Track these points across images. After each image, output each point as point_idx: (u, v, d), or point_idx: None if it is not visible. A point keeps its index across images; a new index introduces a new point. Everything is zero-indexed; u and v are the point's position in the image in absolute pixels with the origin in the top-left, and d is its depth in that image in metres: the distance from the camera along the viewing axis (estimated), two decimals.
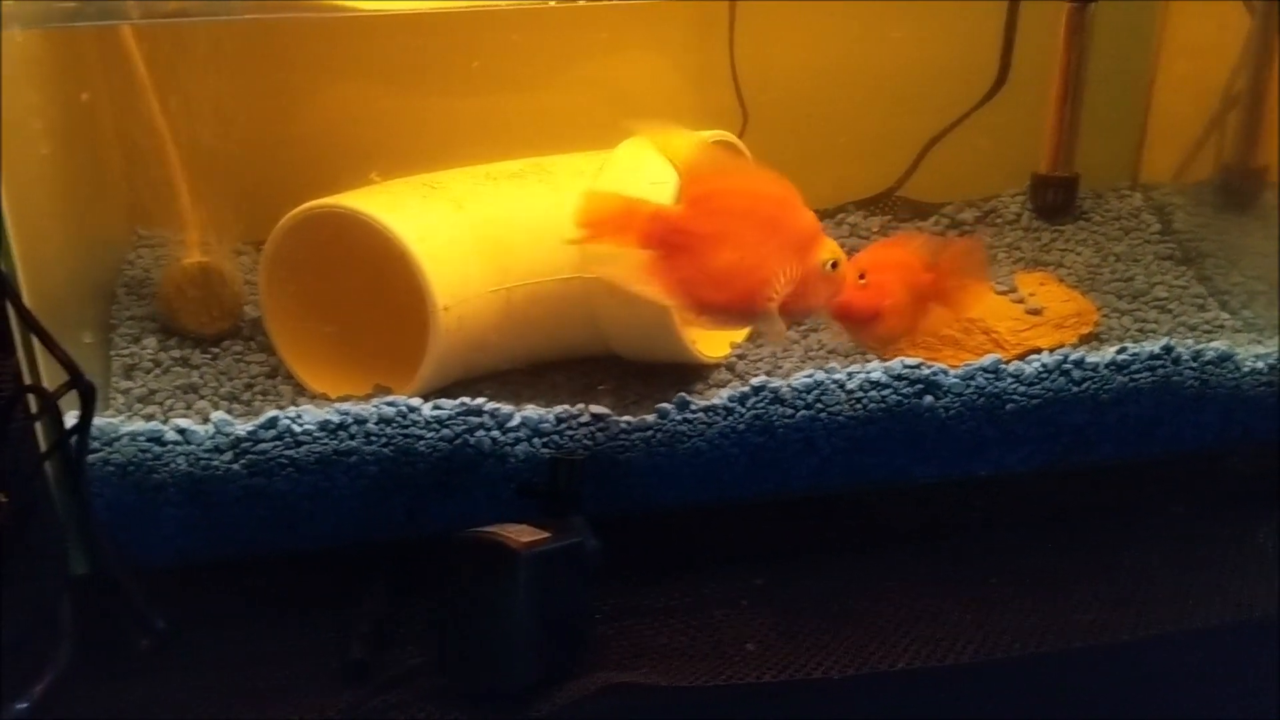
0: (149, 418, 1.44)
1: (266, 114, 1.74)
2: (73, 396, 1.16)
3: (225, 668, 1.24)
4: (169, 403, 1.49)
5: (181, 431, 1.26)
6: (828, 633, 1.28)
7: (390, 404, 1.29)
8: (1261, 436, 1.49)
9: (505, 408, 1.32)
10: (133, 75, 1.55)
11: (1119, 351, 1.42)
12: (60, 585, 1.23)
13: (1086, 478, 1.46)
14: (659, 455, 1.35)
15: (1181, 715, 1.33)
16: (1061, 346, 1.54)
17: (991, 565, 1.39)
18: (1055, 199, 1.93)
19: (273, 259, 1.54)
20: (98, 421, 1.23)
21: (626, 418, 1.35)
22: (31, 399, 1.15)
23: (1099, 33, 1.84)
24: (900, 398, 1.37)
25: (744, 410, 1.35)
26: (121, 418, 1.31)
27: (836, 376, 1.37)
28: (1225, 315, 1.71)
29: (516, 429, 1.32)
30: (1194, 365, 1.43)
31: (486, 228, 1.53)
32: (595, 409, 1.34)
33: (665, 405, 1.35)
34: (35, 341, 1.17)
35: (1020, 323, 1.59)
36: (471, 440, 1.30)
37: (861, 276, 1.41)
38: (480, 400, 1.32)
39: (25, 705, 1.15)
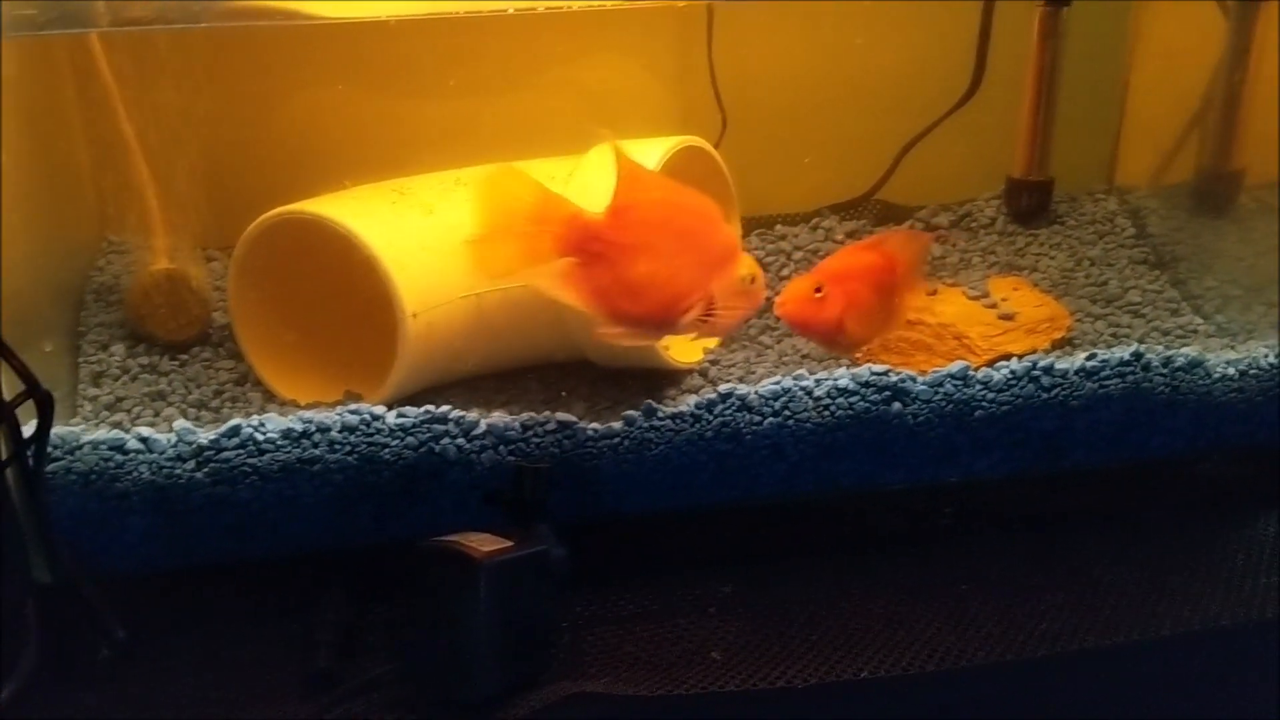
0: (116, 425, 1.44)
1: (236, 120, 1.73)
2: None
3: (189, 677, 1.24)
4: (137, 410, 1.49)
5: (144, 440, 1.25)
6: (794, 640, 1.28)
7: (354, 412, 1.29)
8: (1233, 442, 1.49)
9: (470, 415, 1.32)
10: (101, 82, 1.55)
11: (1089, 358, 1.42)
12: (23, 594, 1.22)
13: (1057, 484, 1.46)
14: (626, 462, 1.34)
15: None
16: (1034, 352, 1.55)
17: (961, 572, 1.39)
18: (1030, 203, 1.93)
19: (241, 265, 1.53)
20: (59, 430, 1.22)
21: (593, 425, 1.34)
22: None
23: (1072, 36, 1.84)
24: (868, 405, 1.37)
25: (711, 417, 1.35)
26: (84, 426, 1.30)
27: (804, 384, 1.36)
28: (1199, 320, 1.71)
29: (482, 436, 1.31)
30: (1164, 372, 1.43)
31: (457, 233, 1.52)
32: (562, 416, 1.34)
33: (632, 413, 1.34)
34: None
35: (992, 328, 1.59)
36: (436, 448, 1.30)
37: (818, 290, 1.42)
38: (445, 408, 1.31)
39: None
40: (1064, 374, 1.41)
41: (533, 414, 1.34)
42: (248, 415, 1.35)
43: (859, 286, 1.44)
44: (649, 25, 1.92)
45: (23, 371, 1.12)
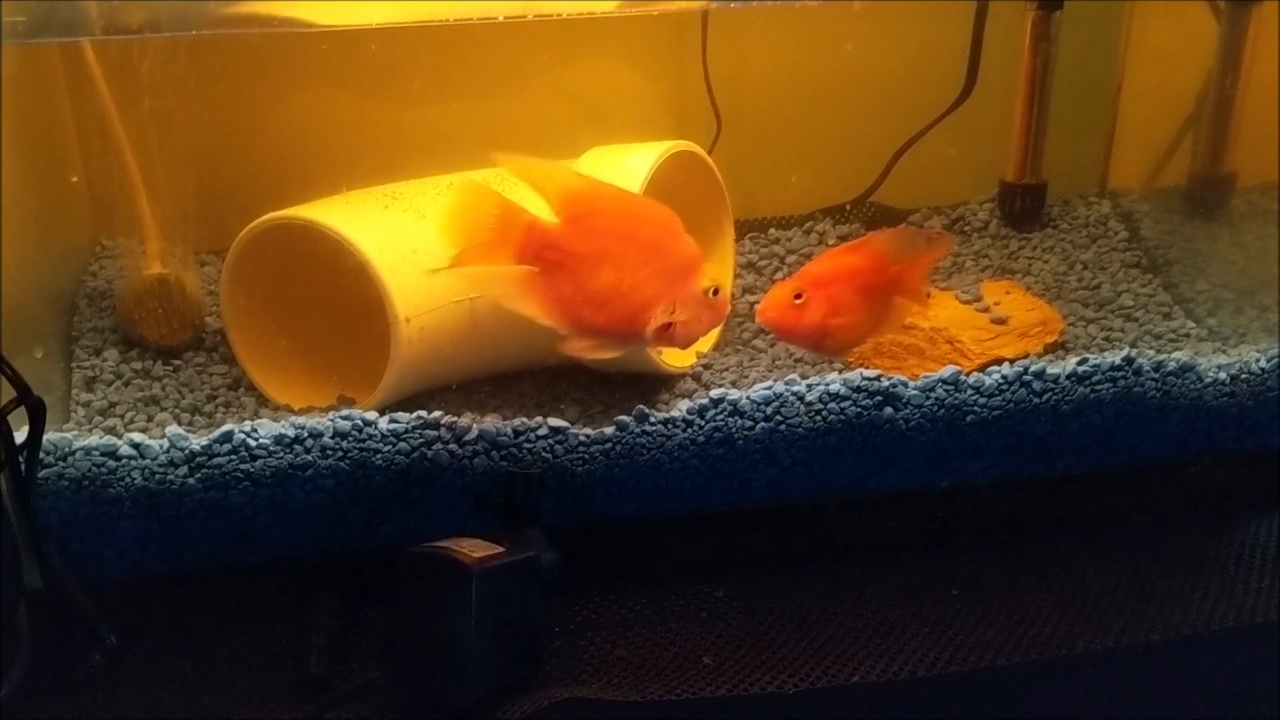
0: (109, 430, 1.44)
1: (228, 124, 1.73)
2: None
3: (181, 682, 1.24)
4: (130, 415, 1.49)
5: (136, 446, 1.26)
6: (786, 645, 1.28)
7: (346, 418, 1.29)
8: (1224, 447, 1.49)
9: (462, 421, 1.32)
10: (93, 87, 1.55)
11: (1080, 362, 1.42)
12: (16, 598, 1.22)
13: (1048, 488, 1.46)
14: (618, 467, 1.35)
15: None
16: (1026, 356, 1.55)
17: (952, 576, 1.39)
18: (1023, 206, 1.93)
19: (234, 270, 1.53)
20: (52, 436, 1.23)
21: (585, 430, 1.35)
22: None
23: (1065, 39, 1.84)
24: (860, 409, 1.37)
25: (703, 422, 1.35)
26: (77, 431, 1.30)
27: (796, 389, 1.37)
28: (1191, 324, 1.71)
29: (474, 442, 1.31)
30: (1155, 376, 1.43)
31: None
32: (554, 422, 1.34)
33: (624, 418, 1.35)
34: None
35: (985, 332, 1.59)
36: (429, 454, 1.30)
37: (798, 296, 1.41)
38: (437, 413, 1.31)
39: None
40: (1055, 378, 1.41)
41: (524, 419, 1.34)
42: (241, 420, 1.35)
43: (842, 289, 1.43)
44: (644, 29, 1.92)
45: (15, 378, 1.12)
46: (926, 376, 1.39)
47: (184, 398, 1.54)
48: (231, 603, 1.31)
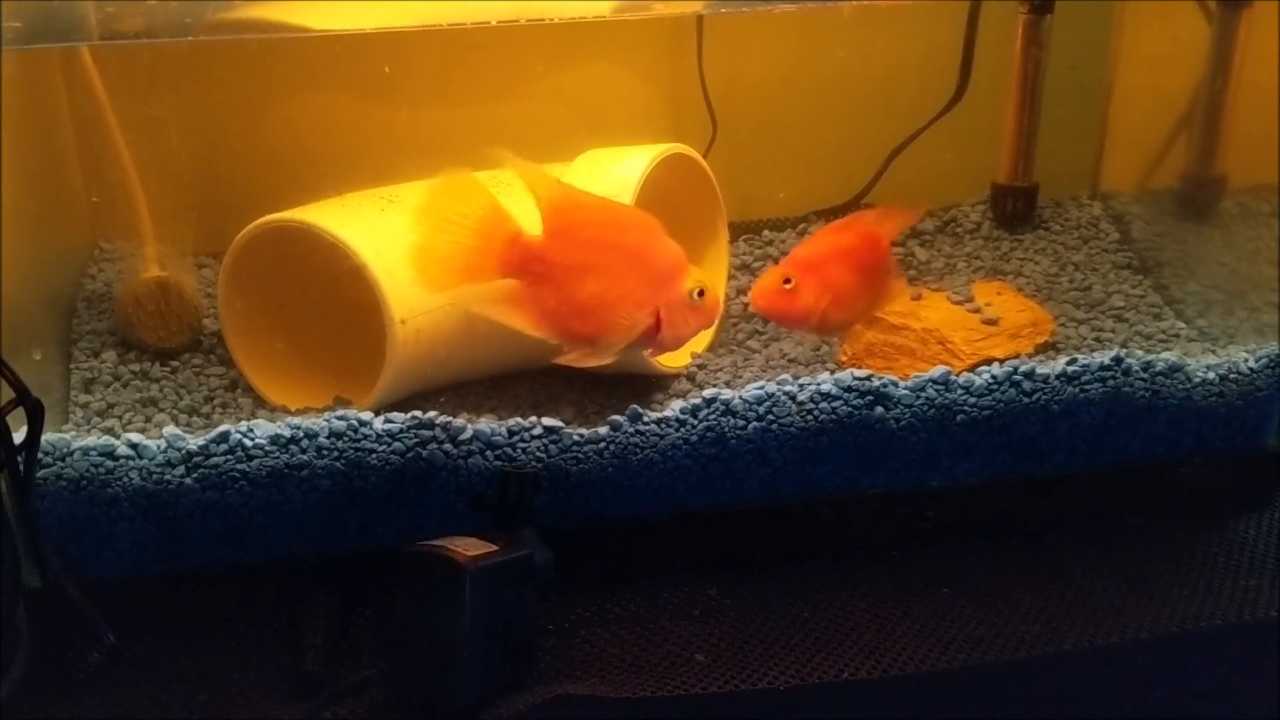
0: (108, 431, 1.45)
1: (226, 127, 1.74)
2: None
3: (178, 680, 1.25)
4: (128, 416, 1.50)
5: (134, 446, 1.27)
6: (778, 643, 1.29)
7: (341, 418, 1.30)
8: (1213, 446, 1.50)
9: (457, 421, 1.33)
10: (91, 90, 1.56)
11: (1069, 363, 1.43)
12: (15, 598, 1.23)
13: (1038, 487, 1.47)
14: (612, 467, 1.36)
15: None
16: (1017, 356, 1.56)
17: (942, 575, 1.40)
18: (1015, 208, 1.94)
19: (231, 272, 1.55)
20: (50, 437, 1.24)
21: (580, 430, 1.36)
22: None
23: (1056, 42, 1.85)
24: (851, 409, 1.38)
25: (696, 422, 1.36)
26: (75, 433, 1.31)
27: (788, 388, 1.38)
28: (1181, 324, 1.72)
29: (469, 442, 1.33)
30: (1144, 376, 1.44)
31: None
32: (548, 421, 1.35)
33: (618, 418, 1.36)
34: None
35: (976, 333, 1.60)
36: (424, 454, 1.31)
37: (787, 281, 1.42)
38: (432, 414, 1.32)
39: None
40: (1045, 379, 1.42)
41: (519, 419, 1.35)
42: (238, 421, 1.36)
43: (832, 270, 1.44)
44: (640, 33, 1.93)
45: (13, 380, 1.13)
46: (917, 376, 1.40)
47: (182, 399, 1.55)
48: (228, 602, 1.32)
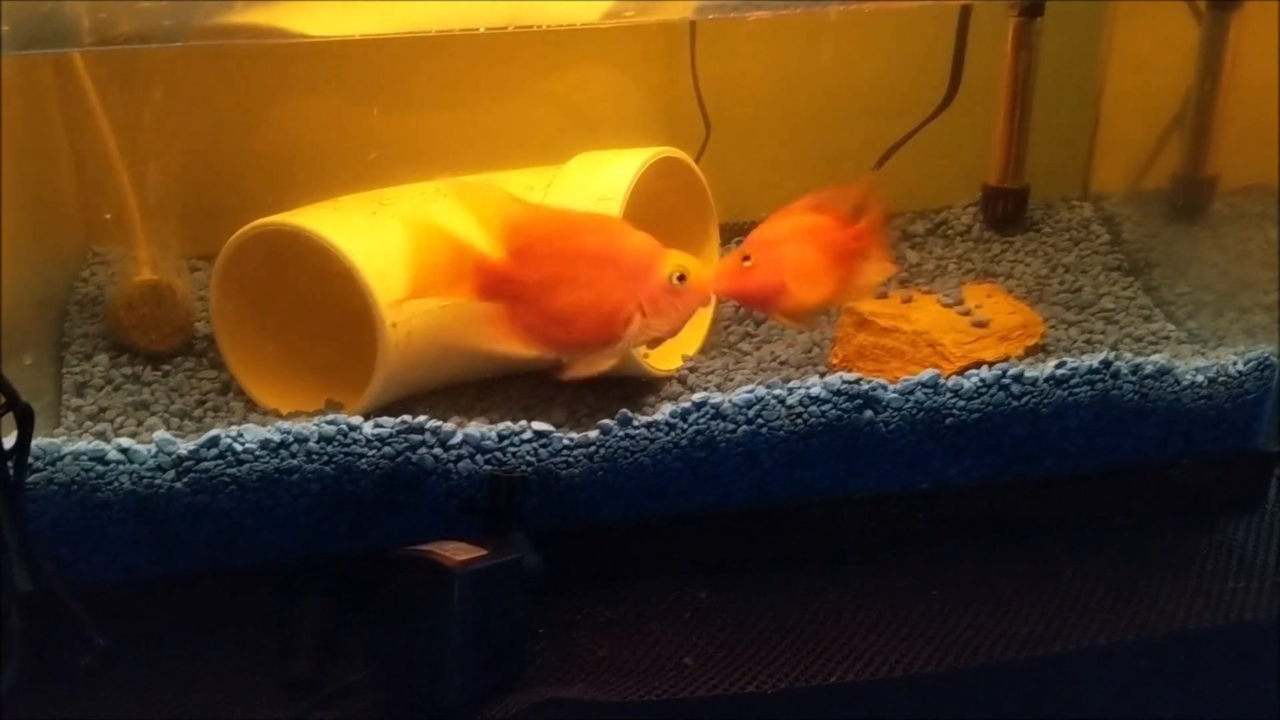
0: (100, 435, 1.45)
1: (218, 131, 1.75)
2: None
3: (169, 683, 1.25)
4: (120, 420, 1.51)
5: (124, 451, 1.27)
6: (767, 646, 1.29)
7: (331, 422, 1.30)
8: (1202, 448, 1.51)
9: (447, 425, 1.34)
10: (84, 95, 1.56)
11: (1058, 365, 1.43)
12: (7, 602, 1.24)
13: (1028, 490, 1.48)
14: (602, 471, 1.36)
15: None
16: (1007, 359, 1.56)
17: (932, 577, 1.40)
18: (1006, 210, 1.95)
19: (223, 276, 1.55)
20: (41, 441, 1.24)
21: (569, 434, 1.36)
22: None
23: (1047, 44, 1.86)
24: (840, 412, 1.38)
25: (686, 425, 1.37)
26: (66, 436, 1.32)
27: (777, 392, 1.38)
28: (1171, 326, 1.72)
29: (458, 446, 1.33)
30: (1133, 379, 1.45)
31: None
32: (538, 425, 1.36)
33: (607, 421, 1.36)
34: None
35: (966, 335, 1.60)
36: (413, 458, 1.31)
37: (746, 259, 1.37)
38: (422, 418, 1.33)
39: None
40: (1034, 381, 1.42)
41: (509, 423, 1.36)
42: (230, 425, 1.36)
43: (796, 249, 1.38)
44: (634, 36, 1.94)
45: (3, 385, 1.14)
46: (906, 380, 1.41)
47: (174, 403, 1.56)
48: (219, 605, 1.32)
